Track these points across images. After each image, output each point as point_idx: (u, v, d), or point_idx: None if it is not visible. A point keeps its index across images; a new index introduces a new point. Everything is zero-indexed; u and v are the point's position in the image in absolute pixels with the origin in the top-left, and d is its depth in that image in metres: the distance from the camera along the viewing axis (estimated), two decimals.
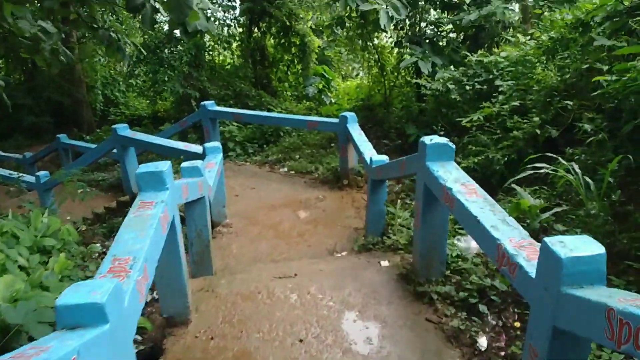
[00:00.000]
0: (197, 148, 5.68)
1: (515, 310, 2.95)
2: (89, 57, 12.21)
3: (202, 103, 7.85)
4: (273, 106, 10.43)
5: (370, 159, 4.78)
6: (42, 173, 7.84)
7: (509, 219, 2.40)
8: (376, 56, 9.77)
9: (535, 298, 1.90)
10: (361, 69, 21.01)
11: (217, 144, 5.41)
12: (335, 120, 6.52)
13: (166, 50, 10.39)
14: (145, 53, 9.41)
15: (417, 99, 7.90)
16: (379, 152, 7.37)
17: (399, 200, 5.45)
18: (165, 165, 2.79)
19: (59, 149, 10.09)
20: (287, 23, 11.37)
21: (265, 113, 7.27)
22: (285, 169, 7.61)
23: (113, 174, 9.86)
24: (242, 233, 5.54)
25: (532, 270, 1.94)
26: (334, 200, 6.26)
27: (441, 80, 6.37)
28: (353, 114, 6.39)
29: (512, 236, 2.23)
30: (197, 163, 3.94)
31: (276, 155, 8.56)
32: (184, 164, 3.92)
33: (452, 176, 2.90)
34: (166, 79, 10.09)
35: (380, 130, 8.70)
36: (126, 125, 6.67)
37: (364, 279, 3.61)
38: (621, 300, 1.45)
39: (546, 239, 1.82)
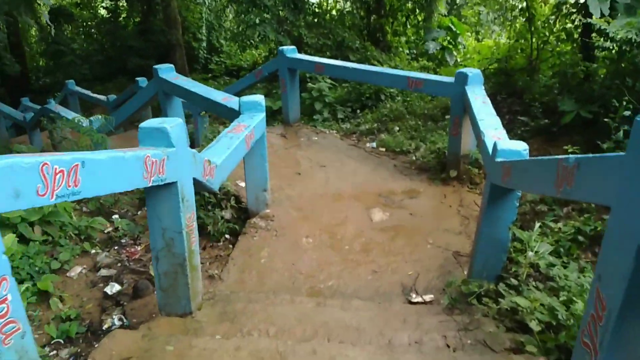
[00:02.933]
0: (237, 103, 3.97)
1: None
2: None
3: (280, 48, 6.10)
4: (379, 62, 8.36)
5: (494, 146, 2.66)
6: (93, 118, 6.78)
7: None
8: (524, 3, 7.16)
9: None
10: (503, 30, 17.88)
11: (257, 98, 3.64)
12: (449, 79, 4.36)
13: None
14: None
15: (583, 59, 5.33)
16: (512, 134, 5.06)
17: (535, 220, 3.25)
18: None
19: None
20: None
21: (352, 64, 5.33)
22: (374, 144, 5.64)
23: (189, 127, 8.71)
24: (285, 232, 3.79)
25: None
26: (430, 200, 4.21)
27: (636, 24, 3.83)
28: (477, 71, 4.19)
29: None
30: (166, 123, 2.20)
31: (370, 124, 6.60)
32: (142, 125, 2.21)
33: None
34: (257, 21, 8.49)
35: (519, 103, 6.27)
36: (171, 66, 5.17)
37: None
38: None
39: None
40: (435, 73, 8.29)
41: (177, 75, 5.05)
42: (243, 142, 3.18)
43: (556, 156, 1.75)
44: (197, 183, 2.53)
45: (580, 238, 3.05)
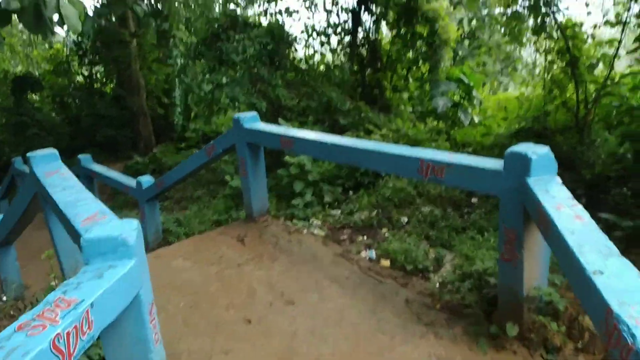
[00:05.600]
0: (111, 227, 2.11)
1: None
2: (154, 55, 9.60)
3: (235, 117, 4.35)
4: (377, 126, 6.64)
5: None
6: None
7: None
8: (562, 42, 5.49)
9: None
10: (511, 82, 16.43)
11: (121, 230, 1.79)
12: (494, 164, 2.52)
13: (232, 40, 7.18)
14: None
15: None
16: None
17: None
18: None
19: (80, 174, 7.40)
20: (411, 3, 7.55)
21: (332, 138, 3.49)
22: (373, 254, 3.74)
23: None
24: None
25: None
26: None
27: None
28: (545, 150, 2.36)
29: None
30: None
31: (367, 213, 4.77)
32: None
33: None
34: (224, 81, 6.88)
35: (574, 179, 4.43)
36: (52, 152, 3.37)
37: None
38: None
39: None
40: (450, 137, 6.53)
41: (58, 167, 3.24)
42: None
43: None
44: None
45: None
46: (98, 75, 16.07)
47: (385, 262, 3.58)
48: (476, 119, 7.35)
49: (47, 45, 18.57)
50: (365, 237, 4.21)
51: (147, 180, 5.92)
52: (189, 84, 11.19)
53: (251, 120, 4.31)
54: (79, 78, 16.89)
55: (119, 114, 13.60)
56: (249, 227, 4.44)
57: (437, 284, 3.11)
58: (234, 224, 4.70)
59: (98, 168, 7.01)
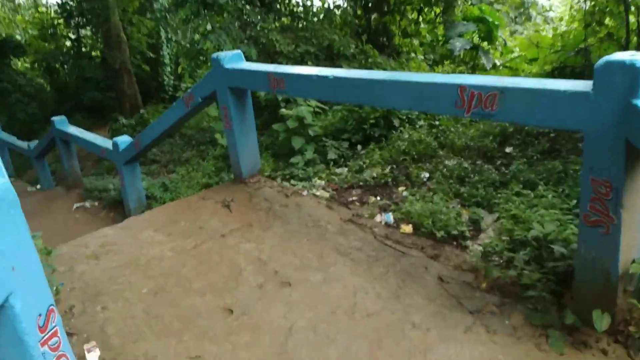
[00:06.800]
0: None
1: None
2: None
3: (214, 56, 3.52)
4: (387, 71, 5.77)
5: None
6: None
7: None
8: None
9: None
10: (525, 29, 15.35)
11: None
12: (577, 85, 1.71)
13: None
14: None
15: None
16: None
17: None
18: None
19: (55, 138, 6.65)
20: None
21: (333, 72, 2.68)
22: (390, 218, 2.98)
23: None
24: None
25: None
26: None
27: None
28: None
29: None
30: None
31: (379, 169, 3.99)
32: None
33: None
34: (209, 27, 6.01)
35: None
36: None
37: None
38: None
39: None
40: None
41: None
42: None
43: None
44: None
45: None
46: (87, 40, 15.11)
47: (407, 228, 2.81)
48: (498, 62, 6.44)
49: (33, 10, 17.52)
50: (379, 198, 3.44)
51: (124, 140, 5.15)
52: (177, 40, 10.27)
53: (233, 59, 3.49)
54: (67, 43, 15.95)
55: (105, 76, 12.73)
56: (236, 189, 3.68)
57: (479, 251, 2.35)
58: (219, 187, 3.95)
59: (73, 130, 6.24)
